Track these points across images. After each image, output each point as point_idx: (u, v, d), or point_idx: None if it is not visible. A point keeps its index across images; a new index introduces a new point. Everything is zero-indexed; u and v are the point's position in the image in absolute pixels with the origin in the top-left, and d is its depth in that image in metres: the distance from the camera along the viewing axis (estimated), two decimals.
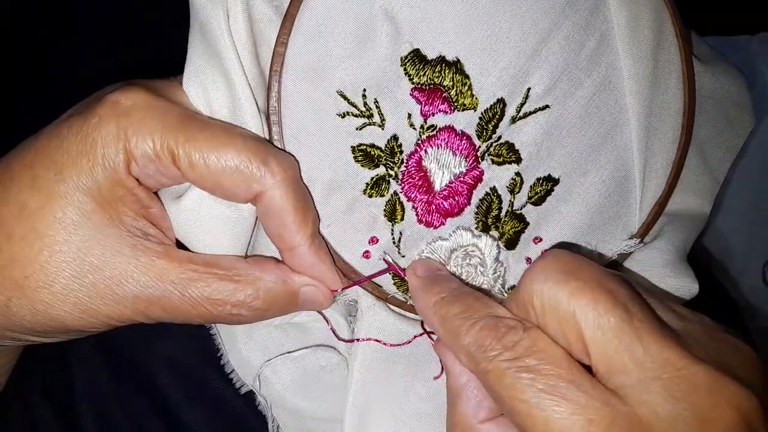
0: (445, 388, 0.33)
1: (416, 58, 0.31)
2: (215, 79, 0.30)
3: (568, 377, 0.22)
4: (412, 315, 0.34)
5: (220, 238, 0.30)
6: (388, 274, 0.34)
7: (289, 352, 0.34)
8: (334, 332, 0.33)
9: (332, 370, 0.35)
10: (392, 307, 0.34)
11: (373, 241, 0.33)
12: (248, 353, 0.34)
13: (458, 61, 0.32)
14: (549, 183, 0.34)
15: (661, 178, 0.35)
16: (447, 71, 0.32)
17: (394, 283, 0.34)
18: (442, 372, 0.34)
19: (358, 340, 0.33)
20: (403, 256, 0.34)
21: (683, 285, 0.35)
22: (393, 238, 0.33)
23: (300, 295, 0.31)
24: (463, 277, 0.34)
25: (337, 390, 0.34)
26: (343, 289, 0.32)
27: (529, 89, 0.33)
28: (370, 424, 0.33)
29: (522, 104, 0.33)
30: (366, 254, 0.33)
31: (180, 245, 0.30)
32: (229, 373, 0.35)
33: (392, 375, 0.33)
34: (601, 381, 0.23)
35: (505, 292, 0.35)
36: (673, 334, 0.23)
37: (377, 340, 0.33)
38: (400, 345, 0.33)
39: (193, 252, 0.30)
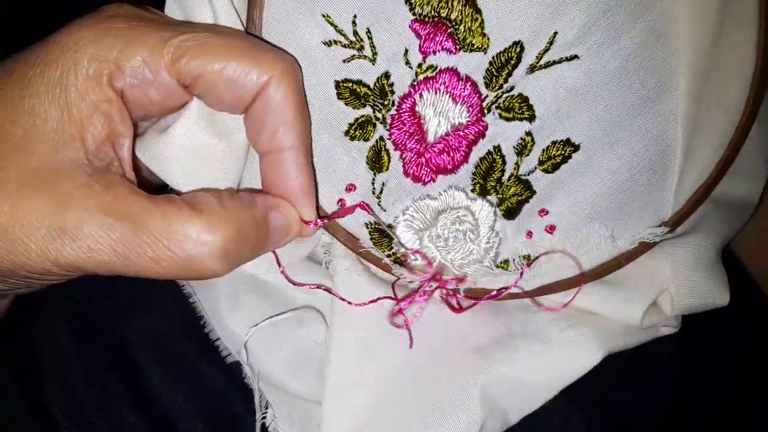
0: (424, 358, 0.31)
1: None
2: (198, 2, 0.27)
3: None
4: (387, 276, 0.31)
5: (209, 171, 0.28)
6: (366, 228, 0.30)
7: (275, 315, 0.31)
8: (287, 277, 0.30)
9: (326, 346, 0.32)
10: (367, 268, 0.31)
11: (351, 188, 0.30)
12: (233, 325, 0.32)
13: None
14: (567, 148, 0.29)
15: (710, 159, 0.29)
16: (455, 2, 0.27)
17: (371, 239, 0.31)
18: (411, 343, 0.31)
19: (316, 287, 0.30)
20: (384, 210, 0.30)
21: (711, 290, 0.30)
22: (373, 188, 0.30)
23: (269, 224, 0.27)
24: (450, 243, 0.30)
25: None
26: (315, 225, 0.28)
27: (555, 33, 0.27)
28: (349, 401, 0.30)
29: (545, 51, 0.28)
30: (341, 202, 0.30)
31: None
32: (215, 341, 0.32)
33: (370, 348, 0.31)
34: None
35: (496, 266, 0.31)
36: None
37: (327, 290, 0.30)
38: (363, 305, 0.30)
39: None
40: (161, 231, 0.24)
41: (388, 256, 0.31)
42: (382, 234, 0.30)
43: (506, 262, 0.31)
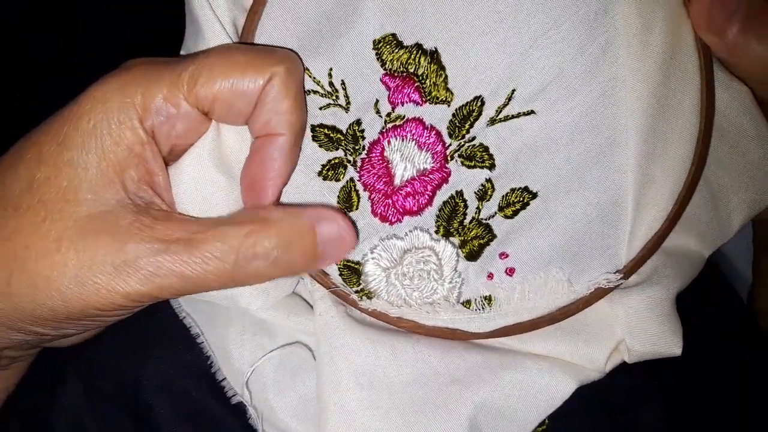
0: (405, 393, 0.32)
1: (392, 42, 0.30)
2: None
3: None
4: (361, 315, 0.33)
5: (216, 205, 0.30)
6: (335, 265, 0.32)
7: (270, 352, 0.33)
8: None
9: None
10: (342, 310, 0.33)
11: None
12: (239, 364, 0.34)
13: (436, 50, 0.30)
14: (525, 195, 0.31)
15: (660, 212, 0.31)
16: (422, 59, 0.30)
17: (341, 275, 0.32)
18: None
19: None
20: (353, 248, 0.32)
21: (664, 341, 0.31)
22: None
23: (317, 236, 0.28)
24: (415, 281, 0.32)
25: None
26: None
27: (513, 91, 0.30)
28: None
29: (504, 105, 0.30)
30: None
31: None
32: (221, 381, 0.34)
33: (364, 384, 0.32)
34: None
35: (458, 305, 0.32)
36: None
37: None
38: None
39: None
40: (211, 247, 0.27)
41: (356, 292, 0.32)
42: (351, 270, 0.32)
43: (468, 302, 0.32)
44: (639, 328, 0.31)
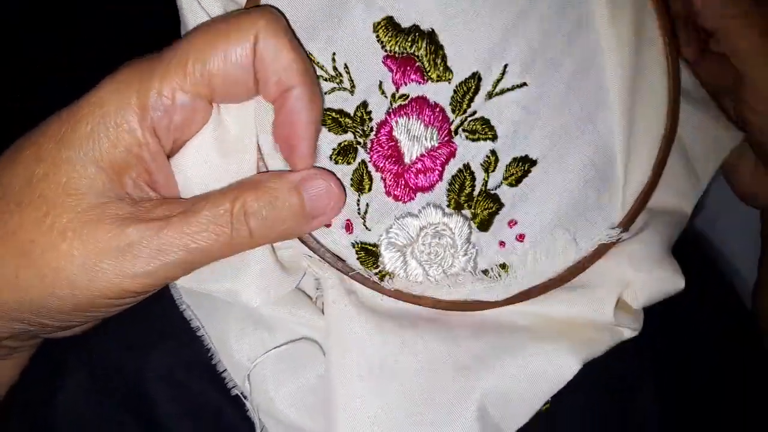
0: (416, 382, 0.32)
1: (389, 25, 0.31)
2: None
3: None
4: (371, 292, 0.33)
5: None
6: (352, 248, 0.32)
7: (274, 348, 0.32)
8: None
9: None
10: (354, 300, 0.32)
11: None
12: (239, 357, 0.33)
13: (432, 31, 0.31)
14: (526, 164, 0.33)
15: (646, 168, 0.34)
16: (420, 41, 0.31)
17: (358, 258, 0.32)
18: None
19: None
20: (369, 230, 0.32)
21: (668, 278, 0.33)
22: (359, 209, 0.32)
23: (304, 194, 0.29)
24: (432, 257, 0.32)
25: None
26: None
27: (506, 65, 0.32)
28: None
29: (498, 80, 0.32)
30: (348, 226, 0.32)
31: None
32: (222, 372, 0.33)
33: (373, 373, 0.31)
34: None
35: (477, 274, 0.33)
36: None
37: None
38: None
39: None
40: (206, 213, 0.27)
41: (376, 274, 0.32)
42: (368, 253, 0.32)
43: (485, 271, 0.33)
44: (643, 273, 0.33)
